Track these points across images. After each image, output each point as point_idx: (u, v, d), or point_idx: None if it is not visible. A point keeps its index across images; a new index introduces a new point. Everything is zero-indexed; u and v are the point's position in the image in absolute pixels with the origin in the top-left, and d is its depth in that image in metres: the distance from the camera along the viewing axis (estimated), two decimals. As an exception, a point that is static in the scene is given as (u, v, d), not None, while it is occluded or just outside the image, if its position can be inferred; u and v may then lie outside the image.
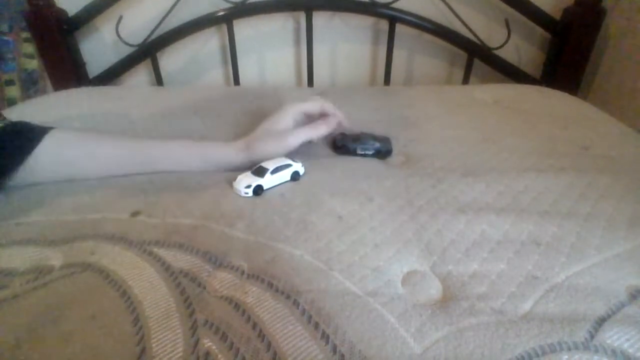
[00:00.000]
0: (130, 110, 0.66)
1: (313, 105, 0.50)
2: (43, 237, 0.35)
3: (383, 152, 0.51)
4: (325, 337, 0.27)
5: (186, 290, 0.30)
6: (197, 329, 0.27)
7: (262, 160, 0.44)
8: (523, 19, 0.85)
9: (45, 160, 0.43)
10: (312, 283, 0.31)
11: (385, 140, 0.53)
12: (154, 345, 0.26)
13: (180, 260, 0.33)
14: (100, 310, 0.28)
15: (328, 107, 0.51)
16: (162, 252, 0.34)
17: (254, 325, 0.27)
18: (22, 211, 0.39)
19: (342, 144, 0.52)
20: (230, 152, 0.47)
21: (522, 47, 0.92)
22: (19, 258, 0.33)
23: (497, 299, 0.30)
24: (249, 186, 0.41)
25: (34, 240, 0.35)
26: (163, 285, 0.30)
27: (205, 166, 0.47)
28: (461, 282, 0.31)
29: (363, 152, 0.51)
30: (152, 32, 0.83)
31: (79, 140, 0.45)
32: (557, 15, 0.83)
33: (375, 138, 0.52)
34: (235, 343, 0.26)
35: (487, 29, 0.87)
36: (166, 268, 0.32)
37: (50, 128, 0.44)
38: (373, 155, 0.51)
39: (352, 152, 0.51)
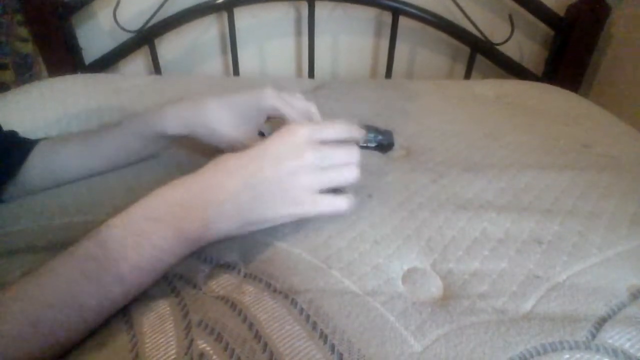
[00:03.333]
0: (126, 99, 0.65)
1: (291, 112, 0.40)
2: (31, 246, 0.34)
3: (385, 145, 0.51)
4: (323, 336, 0.26)
5: (181, 292, 0.29)
6: (191, 330, 0.26)
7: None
8: (526, 14, 0.84)
9: (34, 173, 0.42)
10: (311, 282, 0.30)
11: (387, 133, 0.52)
12: (147, 349, 0.25)
13: None
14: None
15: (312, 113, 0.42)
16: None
17: (251, 326, 0.27)
18: (10, 219, 0.38)
19: None
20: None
21: (524, 43, 0.91)
22: (7, 271, 0.32)
23: (498, 298, 0.30)
24: None
25: (22, 249, 0.34)
26: (157, 291, 0.29)
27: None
28: (462, 280, 0.31)
29: (365, 145, 0.50)
30: (151, 18, 0.81)
31: (64, 148, 0.44)
32: (561, 11, 0.83)
33: (377, 130, 0.51)
34: (230, 344, 0.25)
35: (490, 24, 0.86)
36: None
37: (37, 140, 0.43)
38: (375, 148, 0.50)
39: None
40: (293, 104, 0.42)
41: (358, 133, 0.36)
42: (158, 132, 0.42)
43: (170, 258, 0.29)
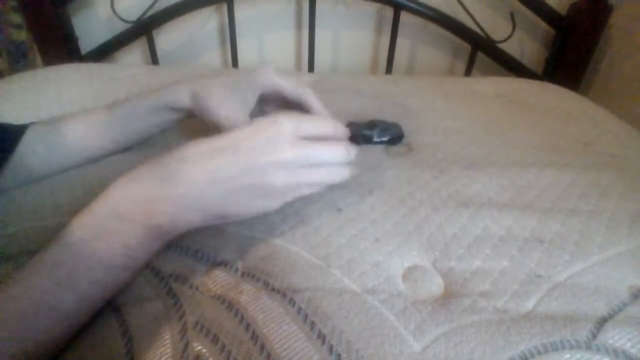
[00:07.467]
0: (121, 89, 0.63)
1: (289, 86, 0.42)
2: (24, 249, 0.33)
3: (396, 138, 0.50)
4: (321, 337, 0.26)
5: (177, 294, 0.28)
6: (187, 332, 0.26)
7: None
8: (528, 13, 0.83)
9: (32, 156, 0.40)
10: (309, 281, 0.30)
11: (396, 126, 0.51)
12: (142, 353, 0.24)
13: (169, 262, 0.31)
14: (90, 327, 0.26)
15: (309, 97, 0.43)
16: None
17: (247, 326, 0.26)
18: (2, 221, 0.36)
19: (354, 134, 0.47)
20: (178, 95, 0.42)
21: (525, 42, 0.91)
22: (2, 277, 0.30)
23: (499, 297, 0.29)
24: None
25: (16, 253, 0.32)
26: (152, 293, 0.28)
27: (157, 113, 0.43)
28: (463, 278, 0.31)
29: (380, 139, 0.48)
30: (149, 8, 0.80)
31: (61, 122, 0.42)
32: (562, 10, 0.82)
33: (385, 123, 0.51)
34: (227, 345, 0.25)
35: (491, 21, 0.86)
36: (155, 274, 0.30)
37: (27, 125, 0.42)
38: (389, 142, 0.49)
39: (368, 140, 0.47)
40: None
41: (343, 131, 0.34)
42: (169, 104, 0.42)
43: (143, 254, 0.28)
